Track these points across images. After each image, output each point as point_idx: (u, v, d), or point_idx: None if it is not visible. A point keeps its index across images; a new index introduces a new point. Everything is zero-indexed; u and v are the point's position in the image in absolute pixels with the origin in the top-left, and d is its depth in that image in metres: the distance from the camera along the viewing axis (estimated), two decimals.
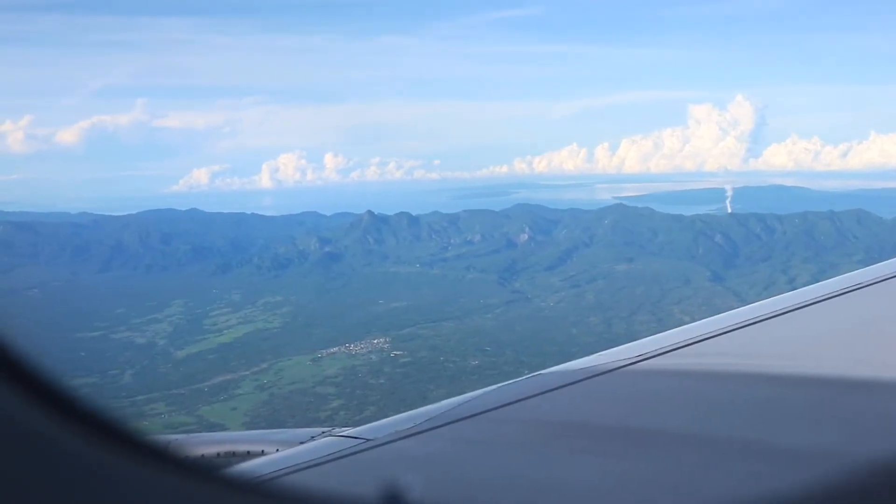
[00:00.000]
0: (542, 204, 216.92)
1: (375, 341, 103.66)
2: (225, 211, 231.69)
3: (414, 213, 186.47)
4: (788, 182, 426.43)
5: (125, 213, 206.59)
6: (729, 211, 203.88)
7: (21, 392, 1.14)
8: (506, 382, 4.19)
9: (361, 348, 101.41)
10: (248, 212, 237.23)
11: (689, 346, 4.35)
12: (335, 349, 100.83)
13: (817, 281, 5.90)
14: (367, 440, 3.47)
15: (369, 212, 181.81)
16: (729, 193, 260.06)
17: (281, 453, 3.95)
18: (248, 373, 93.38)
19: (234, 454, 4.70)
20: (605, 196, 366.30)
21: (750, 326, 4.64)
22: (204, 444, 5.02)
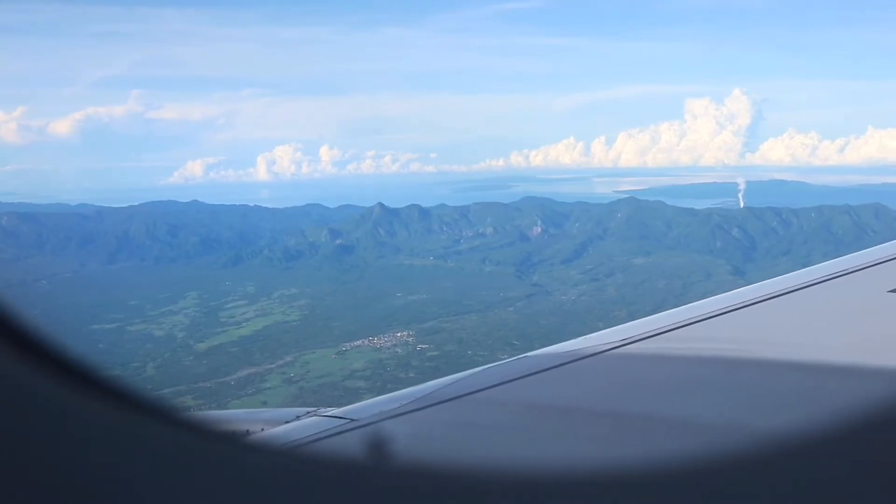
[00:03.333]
0: (549, 197, 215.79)
1: (399, 334, 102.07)
2: (224, 203, 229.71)
3: (424, 206, 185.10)
4: (787, 177, 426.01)
5: (126, 204, 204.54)
6: (741, 205, 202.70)
7: (15, 352, 1.17)
8: (490, 365, 4.19)
9: (385, 342, 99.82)
10: (251, 204, 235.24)
11: (674, 331, 4.36)
12: (359, 342, 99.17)
13: None
14: (352, 420, 3.51)
15: (380, 204, 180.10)
16: (742, 187, 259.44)
17: (266, 433, 3.99)
18: (273, 366, 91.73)
19: None
20: (604, 190, 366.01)
21: (734, 312, 4.65)
22: None
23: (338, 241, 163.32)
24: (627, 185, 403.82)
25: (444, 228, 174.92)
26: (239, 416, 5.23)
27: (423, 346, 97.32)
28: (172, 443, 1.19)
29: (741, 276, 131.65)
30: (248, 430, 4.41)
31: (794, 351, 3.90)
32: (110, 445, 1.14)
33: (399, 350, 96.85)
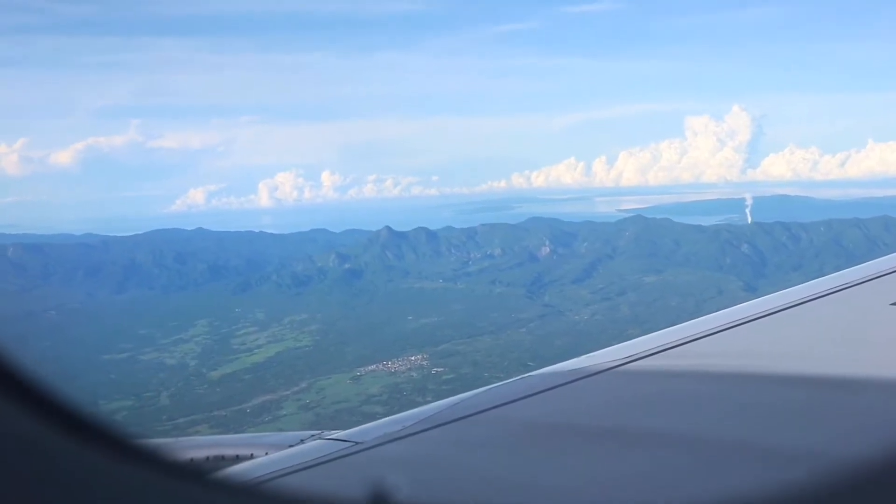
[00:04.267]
0: (555, 217, 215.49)
1: (413, 358, 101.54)
2: (229, 230, 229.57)
3: (430, 229, 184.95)
4: (789, 192, 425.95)
5: (130, 233, 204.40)
6: (749, 221, 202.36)
7: (10, 398, 1.13)
8: (496, 384, 4.21)
9: (400, 366, 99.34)
10: (256, 230, 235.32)
11: (679, 347, 4.36)
12: (373, 367, 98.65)
13: None
14: (357, 443, 3.50)
15: (387, 227, 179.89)
16: (749, 203, 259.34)
17: (270, 456, 3.98)
18: (288, 392, 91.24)
19: (223, 458, 4.64)
20: (607, 209, 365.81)
21: (738, 327, 4.66)
22: (193, 448, 4.93)
23: (346, 266, 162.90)
24: (630, 204, 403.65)
25: (452, 251, 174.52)
26: (244, 440, 5.21)
27: (438, 370, 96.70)
28: (140, 483, 1.16)
29: (753, 292, 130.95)
30: (251, 455, 4.45)
31: (801, 365, 3.90)
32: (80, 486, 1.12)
33: (414, 374, 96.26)
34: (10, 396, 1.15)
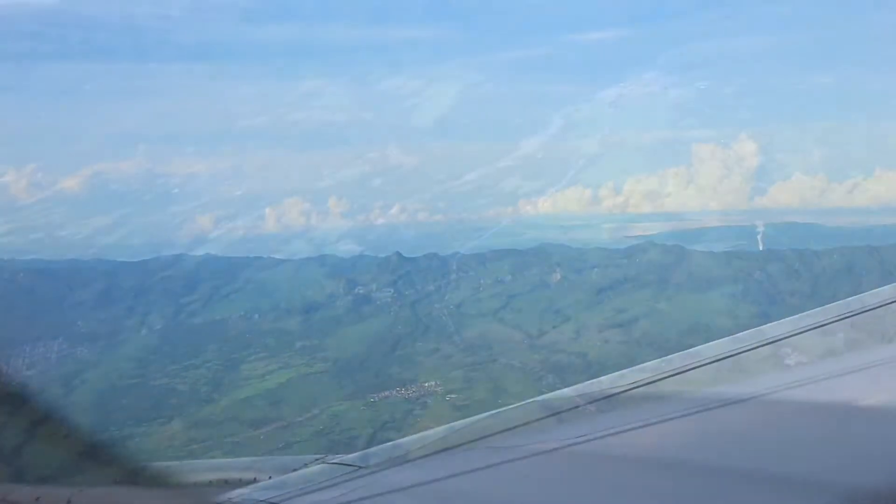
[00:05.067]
0: (564, 243, 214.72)
1: (426, 384, 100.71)
2: (237, 255, 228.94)
3: (440, 254, 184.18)
4: (797, 219, 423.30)
5: (138, 258, 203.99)
6: (761, 247, 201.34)
7: (18, 422, 1.17)
8: (500, 409, 4.22)
9: (413, 392, 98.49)
10: (264, 255, 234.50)
11: (685, 373, 4.35)
12: (386, 393, 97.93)
13: None
14: (360, 467, 3.49)
15: (397, 253, 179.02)
16: (760, 230, 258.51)
17: (273, 480, 3.97)
18: (301, 419, 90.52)
19: (226, 481, 4.72)
20: (616, 235, 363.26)
21: (747, 353, 4.63)
22: (197, 471, 5.01)
23: (356, 291, 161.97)
24: (638, 231, 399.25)
25: (462, 276, 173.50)
26: (248, 463, 5.23)
27: (452, 396, 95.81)
28: None
29: (768, 319, 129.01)
30: (255, 478, 4.40)
31: (810, 392, 3.86)
32: None
33: (428, 400, 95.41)
34: (19, 421, 1.20)
